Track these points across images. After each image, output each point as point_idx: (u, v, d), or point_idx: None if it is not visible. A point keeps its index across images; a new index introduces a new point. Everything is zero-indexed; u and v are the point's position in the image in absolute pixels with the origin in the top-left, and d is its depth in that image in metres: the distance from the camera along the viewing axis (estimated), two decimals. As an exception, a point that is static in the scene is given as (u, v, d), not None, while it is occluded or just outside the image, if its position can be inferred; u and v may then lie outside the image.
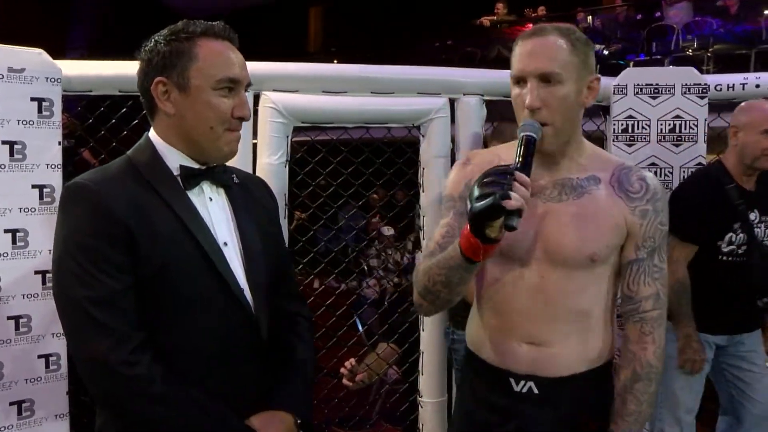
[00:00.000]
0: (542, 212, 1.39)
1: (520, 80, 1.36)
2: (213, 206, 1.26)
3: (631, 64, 7.46)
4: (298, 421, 1.28)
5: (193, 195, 1.23)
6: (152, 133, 1.26)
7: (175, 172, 1.22)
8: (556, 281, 1.38)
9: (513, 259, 1.41)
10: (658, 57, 7.40)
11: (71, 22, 11.29)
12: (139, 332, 1.14)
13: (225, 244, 1.24)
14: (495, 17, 9.30)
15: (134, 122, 1.95)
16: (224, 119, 1.21)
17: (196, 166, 1.25)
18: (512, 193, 1.15)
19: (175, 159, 1.23)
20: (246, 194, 1.33)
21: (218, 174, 1.27)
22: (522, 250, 1.39)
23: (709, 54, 7.01)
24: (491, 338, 1.45)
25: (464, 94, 2.30)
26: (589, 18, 8.96)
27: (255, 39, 7.09)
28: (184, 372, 1.16)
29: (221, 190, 1.28)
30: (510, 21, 9.10)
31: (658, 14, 7.88)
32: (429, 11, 10.93)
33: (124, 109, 1.99)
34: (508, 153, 1.37)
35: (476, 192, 1.18)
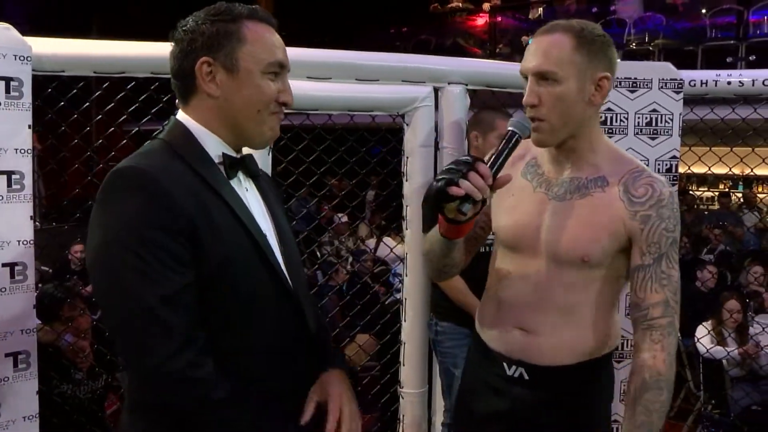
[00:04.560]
0: (547, 208, 1.45)
1: (524, 77, 1.40)
2: (250, 196, 1.21)
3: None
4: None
5: (234, 184, 1.18)
6: (184, 117, 1.18)
7: (216, 160, 1.16)
8: (548, 275, 1.43)
9: (518, 251, 1.48)
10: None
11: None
12: (201, 332, 1.06)
13: (265, 235, 1.19)
14: (452, 5, 9.30)
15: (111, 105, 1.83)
16: (270, 103, 1.17)
17: (233, 153, 1.19)
18: (462, 181, 1.20)
19: (215, 146, 1.17)
20: (266, 185, 1.30)
21: (250, 163, 1.22)
22: (527, 243, 1.46)
23: (651, 48, 7.23)
24: (491, 322, 1.52)
25: (449, 83, 2.27)
26: (540, 9, 9.07)
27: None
28: (241, 373, 1.09)
29: (250, 180, 1.24)
30: (467, 10, 9.12)
31: (613, 8, 8.07)
32: (385, -3, 10.81)
33: (99, 92, 1.88)
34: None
35: (438, 175, 1.27)
